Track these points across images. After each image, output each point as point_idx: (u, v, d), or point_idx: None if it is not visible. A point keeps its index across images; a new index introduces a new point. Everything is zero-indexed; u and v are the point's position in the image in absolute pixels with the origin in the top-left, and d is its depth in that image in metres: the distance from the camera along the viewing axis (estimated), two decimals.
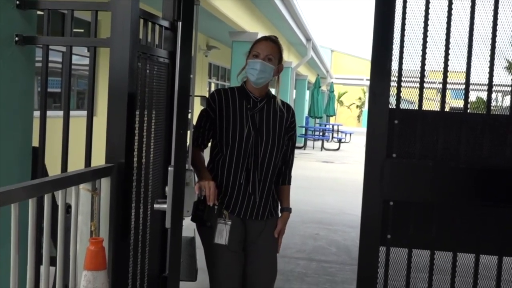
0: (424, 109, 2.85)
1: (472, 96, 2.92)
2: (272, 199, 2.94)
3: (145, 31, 2.70)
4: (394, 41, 2.81)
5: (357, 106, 46.99)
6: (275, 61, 2.85)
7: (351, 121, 45.41)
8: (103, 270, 2.11)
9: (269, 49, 2.84)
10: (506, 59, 2.84)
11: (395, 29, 2.81)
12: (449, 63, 2.82)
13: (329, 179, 12.42)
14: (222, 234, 2.77)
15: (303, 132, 21.00)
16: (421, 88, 2.83)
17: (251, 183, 2.83)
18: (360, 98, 46.09)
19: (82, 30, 8.36)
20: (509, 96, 2.87)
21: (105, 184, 2.42)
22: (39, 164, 2.65)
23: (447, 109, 2.87)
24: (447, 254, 2.88)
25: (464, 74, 2.83)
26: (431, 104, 2.87)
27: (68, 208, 2.31)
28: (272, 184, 2.92)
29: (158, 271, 3.00)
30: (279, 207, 3.04)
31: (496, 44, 2.79)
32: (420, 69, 2.83)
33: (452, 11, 2.80)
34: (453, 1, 2.80)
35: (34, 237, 2.00)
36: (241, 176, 2.82)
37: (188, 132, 2.63)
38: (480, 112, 2.88)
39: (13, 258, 1.87)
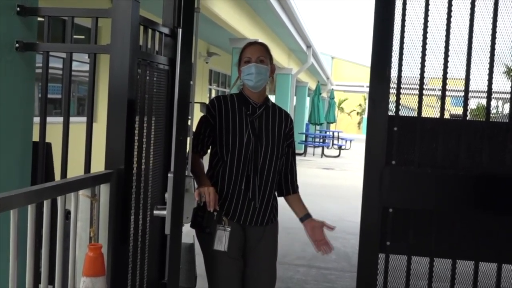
0: (424, 116, 2.86)
1: (474, 104, 2.92)
2: (272, 206, 2.93)
3: (145, 37, 2.71)
4: (393, 48, 2.82)
5: (358, 113, 47.03)
6: (266, 61, 2.88)
7: (352, 128, 45.44)
8: (101, 276, 2.11)
9: (258, 51, 2.88)
10: (505, 65, 2.84)
11: (394, 36, 2.82)
12: (449, 70, 2.83)
13: (329, 186, 12.41)
14: (222, 240, 2.76)
15: (304, 139, 21.00)
16: (420, 95, 2.84)
17: (251, 189, 2.83)
18: (360, 105, 46.13)
19: (83, 37, 8.39)
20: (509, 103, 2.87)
21: (104, 190, 2.42)
22: (38, 163, 2.65)
23: (447, 116, 2.87)
24: (447, 261, 2.88)
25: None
26: (431, 111, 2.88)
27: (67, 214, 2.32)
28: (272, 190, 2.92)
29: (157, 277, 3.00)
30: (303, 214, 2.99)
31: (495, 51, 2.80)
32: (419, 76, 2.84)
33: (451, 18, 2.81)
34: (452, 8, 2.81)
35: (33, 243, 2.00)
36: (241, 182, 2.82)
37: (188, 138, 2.64)
38: (480, 119, 2.88)
39: (12, 264, 1.88)
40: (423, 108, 2.86)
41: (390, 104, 2.86)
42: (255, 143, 2.83)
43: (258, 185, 2.85)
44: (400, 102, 2.86)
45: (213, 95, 18.28)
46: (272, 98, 3.06)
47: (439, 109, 2.86)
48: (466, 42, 2.81)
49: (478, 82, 2.84)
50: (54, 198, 2.16)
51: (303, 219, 2.99)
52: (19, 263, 1.91)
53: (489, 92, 2.82)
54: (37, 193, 2.02)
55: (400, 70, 2.84)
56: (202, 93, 16.19)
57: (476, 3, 2.79)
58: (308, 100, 26.60)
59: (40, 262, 2.18)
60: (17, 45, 2.58)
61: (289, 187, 3.02)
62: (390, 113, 2.86)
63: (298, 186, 3.07)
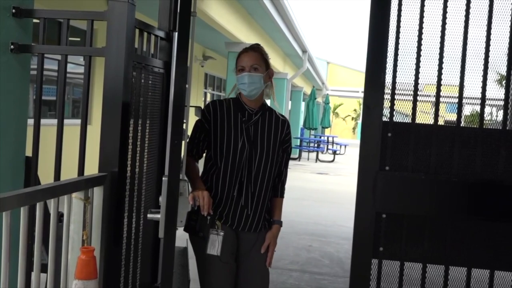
0: (418, 122, 2.86)
1: (468, 110, 2.93)
2: (266, 213, 2.93)
3: (141, 41, 2.71)
4: (388, 54, 2.83)
5: (352, 118, 47.12)
6: (261, 68, 2.85)
7: (346, 133, 45.53)
8: (94, 279, 2.10)
9: (252, 59, 2.84)
10: (498, 73, 2.86)
11: (389, 42, 2.83)
12: (443, 76, 2.84)
13: (324, 190, 12.42)
14: (215, 245, 2.76)
15: (298, 144, 21.02)
16: (415, 101, 2.85)
17: (244, 196, 2.83)
18: (355, 110, 46.23)
19: (79, 39, 8.38)
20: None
21: (97, 193, 2.41)
22: (31, 174, 2.64)
23: (441, 122, 2.88)
24: (439, 267, 2.88)
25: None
26: (426, 117, 2.89)
27: (60, 216, 2.31)
28: (266, 198, 2.91)
29: (150, 281, 2.99)
30: (276, 219, 3.02)
31: (489, 58, 2.81)
32: (413, 82, 2.84)
33: (446, 25, 2.82)
34: (447, 15, 2.82)
35: (26, 245, 1.99)
36: (234, 189, 2.82)
37: (183, 142, 2.63)
38: (474, 125, 2.89)
39: (3, 266, 1.87)
40: (417, 114, 2.87)
41: (384, 110, 2.86)
42: (250, 150, 2.82)
43: (252, 192, 2.84)
44: (395, 108, 2.86)
45: (209, 98, 18.28)
46: (268, 101, 3.05)
47: (433, 115, 2.87)
48: (460, 49, 2.82)
49: (472, 88, 2.85)
50: (47, 200, 2.15)
51: (274, 223, 2.99)
52: (11, 265, 1.90)
53: (483, 99, 2.83)
54: (30, 195, 2.01)
55: (394, 76, 2.84)
56: (198, 96, 16.18)
57: (470, 11, 2.81)
58: (303, 105, 26.64)
59: (32, 264, 2.17)
60: (12, 46, 2.57)
61: (275, 190, 3.01)
62: (384, 119, 2.86)
63: (284, 191, 3.06)
